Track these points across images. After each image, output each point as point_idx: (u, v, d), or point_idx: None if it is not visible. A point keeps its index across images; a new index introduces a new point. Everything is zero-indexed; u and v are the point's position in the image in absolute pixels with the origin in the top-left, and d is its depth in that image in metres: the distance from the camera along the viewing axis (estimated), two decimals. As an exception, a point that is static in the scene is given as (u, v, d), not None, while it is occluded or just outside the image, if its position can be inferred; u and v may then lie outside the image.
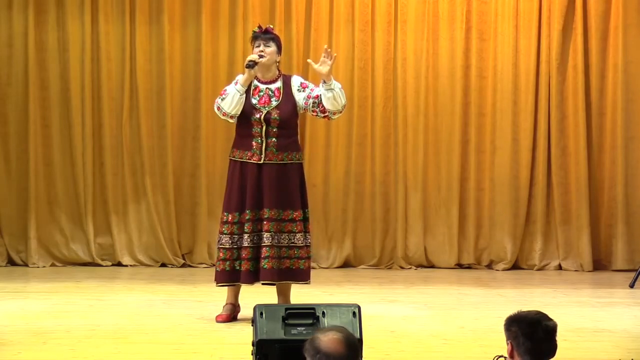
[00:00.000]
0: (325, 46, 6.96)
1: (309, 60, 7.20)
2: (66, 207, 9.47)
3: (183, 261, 9.57)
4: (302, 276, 6.88)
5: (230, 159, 6.92)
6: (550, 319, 3.77)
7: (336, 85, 6.78)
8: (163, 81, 9.48)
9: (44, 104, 9.43)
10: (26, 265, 9.38)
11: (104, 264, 9.46)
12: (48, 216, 9.46)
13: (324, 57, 6.74)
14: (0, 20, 9.39)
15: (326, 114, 6.82)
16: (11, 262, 9.42)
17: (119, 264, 9.48)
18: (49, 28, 9.40)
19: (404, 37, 9.68)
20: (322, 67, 6.74)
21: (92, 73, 9.45)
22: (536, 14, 9.67)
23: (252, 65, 6.73)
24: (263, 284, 6.85)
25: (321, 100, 6.77)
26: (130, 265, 9.48)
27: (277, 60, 6.91)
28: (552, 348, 3.72)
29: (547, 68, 9.70)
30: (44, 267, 9.35)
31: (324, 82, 6.74)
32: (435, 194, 9.76)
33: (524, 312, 3.79)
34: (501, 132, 9.74)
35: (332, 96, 6.74)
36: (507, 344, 3.73)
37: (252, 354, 4.83)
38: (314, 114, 6.90)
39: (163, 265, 9.51)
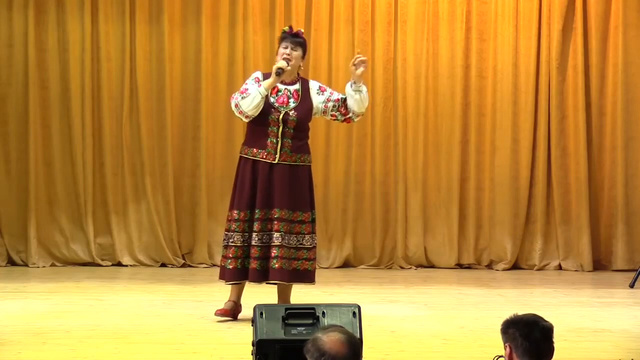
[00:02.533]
0: (360, 53, 7.01)
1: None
2: (66, 207, 9.47)
3: (183, 261, 9.57)
4: (310, 277, 6.92)
5: (242, 156, 6.91)
6: (546, 321, 3.79)
7: (364, 87, 6.89)
8: (163, 81, 9.48)
9: (44, 104, 9.43)
10: (26, 265, 9.38)
11: (104, 264, 9.46)
12: (48, 216, 9.46)
13: (356, 64, 6.83)
14: (0, 20, 9.39)
15: (348, 116, 6.92)
16: (11, 262, 9.42)
17: (119, 264, 9.49)
18: (49, 28, 9.40)
19: (404, 38, 9.68)
20: (355, 71, 6.83)
21: (92, 73, 9.45)
22: (536, 15, 9.68)
23: (281, 72, 6.77)
24: (267, 283, 6.85)
25: (342, 103, 6.88)
26: (130, 265, 9.48)
27: (300, 65, 6.98)
28: (550, 349, 3.74)
29: (547, 68, 9.70)
30: (43, 267, 9.34)
31: (355, 83, 6.83)
32: (436, 194, 9.76)
33: (519, 314, 3.82)
34: (501, 132, 9.74)
35: (360, 98, 6.86)
36: (505, 347, 3.74)
37: (252, 354, 4.83)
38: (333, 117, 7.00)
39: (163, 265, 9.51)
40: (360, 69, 6.84)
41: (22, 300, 7.73)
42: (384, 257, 9.73)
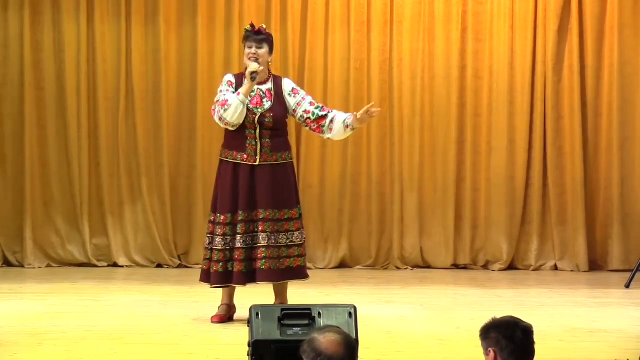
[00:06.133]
0: (374, 107, 6.99)
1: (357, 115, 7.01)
2: (62, 208, 9.46)
3: (179, 262, 9.56)
4: (304, 273, 6.94)
5: (222, 160, 6.90)
6: (525, 322, 3.79)
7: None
8: (159, 82, 9.48)
9: (40, 105, 9.43)
10: (22, 266, 9.37)
11: (100, 265, 9.45)
12: (44, 217, 9.45)
13: (369, 113, 6.84)
14: (-4, 21, 9.40)
15: (319, 132, 6.91)
16: (7, 263, 9.41)
17: (115, 265, 9.48)
18: (45, 28, 9.39)
19: (400, 38, 9.68)
20: (361, 118, 6.82)
21: (88, 74, 9.44)
22: (532, 15, 9.68)
23: (255, 77, 6.74)
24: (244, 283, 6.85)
25: (314, 121, 6.83)
26: (126, 266, 9.47)
27: (269, 60, 6.91)
28: (532, 349, 3.73)
29: (543, 69, 9.70)
30: (39, 267, 9.33)
31: (352, 127, 6.85)
32: (432, 195, 9.76)
33: (497, 318, 3.81)
34: (497, 132, 9.74)
35: (345, 136, 6.97)
36: (489, 352, 3.71)
37: (248, 355, 4.84)
38: (305, 125, 6.99)
39: (159, 265, 9.50)
40: (363, 120, 6.84)
41: (18, 301, 7.73)
42: (380, 258, 9.72)
